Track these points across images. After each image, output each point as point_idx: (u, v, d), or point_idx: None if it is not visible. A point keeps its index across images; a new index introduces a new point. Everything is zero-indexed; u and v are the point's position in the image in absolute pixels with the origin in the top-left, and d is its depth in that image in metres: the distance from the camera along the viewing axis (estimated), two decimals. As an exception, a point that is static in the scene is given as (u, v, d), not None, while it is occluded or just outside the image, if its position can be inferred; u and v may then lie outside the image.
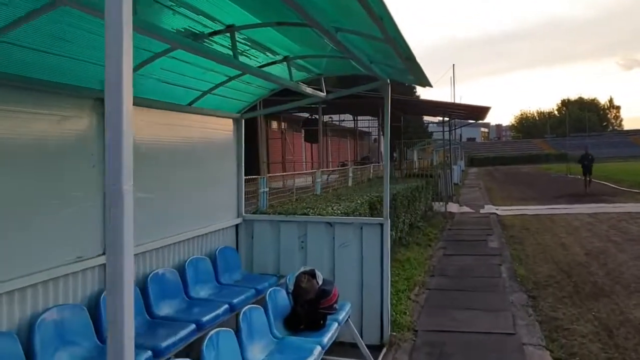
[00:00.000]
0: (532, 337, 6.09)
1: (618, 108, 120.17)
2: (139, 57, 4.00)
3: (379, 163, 27.57)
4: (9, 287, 3.29)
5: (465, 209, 20.09)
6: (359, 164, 29.33)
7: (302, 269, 5.03)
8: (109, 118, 1.48)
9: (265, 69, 5.16)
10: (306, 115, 26.18)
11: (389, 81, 5.79)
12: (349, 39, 4.04)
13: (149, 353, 3.54)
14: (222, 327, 4.42)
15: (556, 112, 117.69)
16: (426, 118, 49.34)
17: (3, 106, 3.33)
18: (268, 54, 4.88)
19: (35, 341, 3.29)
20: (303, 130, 27.01)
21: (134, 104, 4.53)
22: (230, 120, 6.18)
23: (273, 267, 6.06)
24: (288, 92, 5.92)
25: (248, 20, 3.93)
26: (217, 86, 5.21)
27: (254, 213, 6.75)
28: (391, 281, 8.26)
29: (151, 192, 4.68)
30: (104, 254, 4.05)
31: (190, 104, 5.31)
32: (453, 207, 19.79)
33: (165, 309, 4.40)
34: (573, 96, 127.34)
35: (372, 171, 22.55)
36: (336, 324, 4.66)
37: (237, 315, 4.04)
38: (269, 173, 22.41)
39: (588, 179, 25.47)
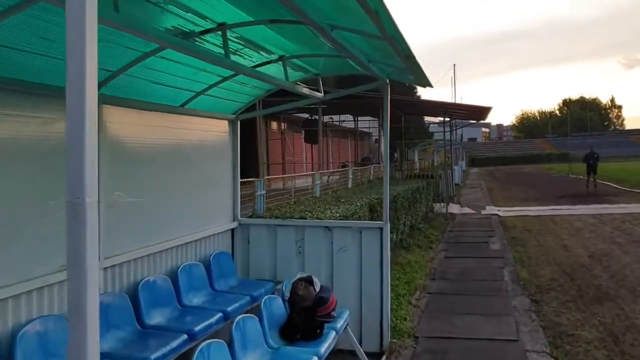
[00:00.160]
0: (536, 344, 5.93)
1: (620, 107, 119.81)
2: (127, 57, 3.85)
3: (379, 164, 27.41)
4: (-11, 298, 3.14)
5: (467, 210, 19.92)
6: (359, 164, 29.17)
7: (298, 276, 4.88)
8: (70, 122, 1.32)
9: (261, 68, 5.01)
10: (306, 115, 26.04)
11: (388, 81, 5.64)
12: (346, 37, 3.88)
13: (138, 365, 3.39)
14: (216, 335, 4.29)
15: (557, 112, 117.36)
16: (427, 118, 49.14)
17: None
18: (262, 53, 4.73)
19: (17, 354, 3.14)
20: (303, 131, 26.86)
21: (123, 106, 4.34)
22: (226, 122, 6.03)
23: (270, 272, 5.91)
24: (287, 92, 5.78)
25: (240, 18, 3.78)
26: (210, 87, 5.06)
27: (250, 217, 6.60)
28: (391, 285, 8.11)
29: (142, 197, 4.53)
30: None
31: (183, 105, 5.16)
32: (454, 208, 19.63)
33: (156, 318, 4.25)
34: (574, 96, 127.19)
35: (372, 172, 22.38)
36: (334, 333, 4.50)
37: (232, 323, 3.89)
38: (268, 174, 22.29)
39: (592, 178, 25.14)
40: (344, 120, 36.92)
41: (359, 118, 35.85)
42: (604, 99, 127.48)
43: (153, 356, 3.56)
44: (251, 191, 9.08)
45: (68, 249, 1.31)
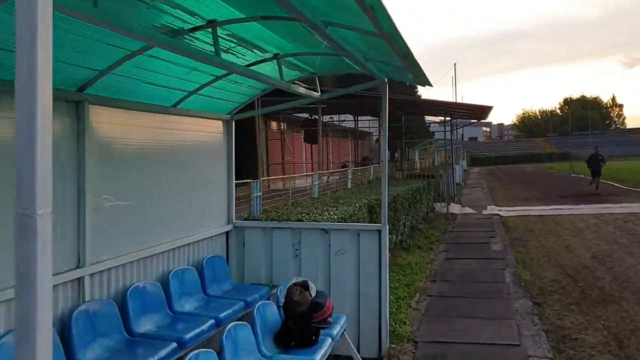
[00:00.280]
0: (538, 349, 5.78)
1: (621, 106, 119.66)
2: (113, 55, 3.71)
3: (379, 164, 27.24)
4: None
5: (468, 209, 19.78)
6: (359, 164, 29.02)
7: (293, 280, 4.75)
8: (20, 124, 1.16)
9: (255, 67, 4.87)
10: (306, 115, 25.89)
11: (386, 80, 5.50)
12: (341, 34, 3.74)
13: (124, 376, 3.26)
14: (208, 343, 4.16)
15: (558, 111, 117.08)
16: (428, 118, 48.97)
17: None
18: (256, 51, 4.59)
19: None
20: (302, 131, 26.71)
21: (112, 106, 4.14)
22: (220, 122, 5.89)
23: (265, 276, 5.77)
24: (285, 92, 5.64)
25: (231, 14, 3.64)
26: (203, 86, 4.92)
27: (245, 219, 6.45)
28: (391, 288, 7.98)
29: (132, 199, 4.39)
30: (77, 267, 3.77)
31: (175, 105, 5.02)
32: (455, 208, 19.48)
33: (145, 326, 4.11)
34: (575, 95, 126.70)
35: (372, 172, 22.23)
36: (330, 340, 4.37)
37: (223, 331, 3.75)
38: (268, 175, 22.15)
39: (595, 179, 24.53)
40: (344, 120, 36.74)
41: (360, 118, 35.65)
42: (605, 98, 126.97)
43: (141, 366, 3.43)
44: (247, 193, 8.94)
45: (17, 265, 1.16)
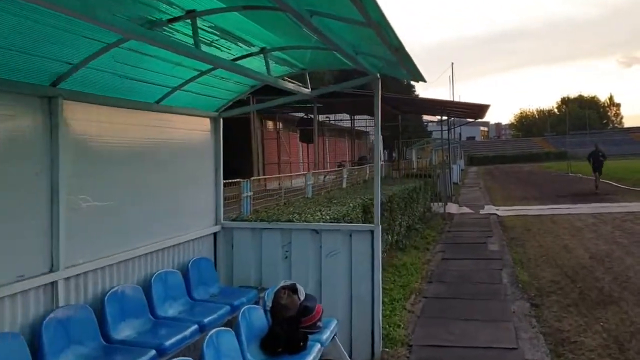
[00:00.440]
0: (536, 352, 5.60)
1: (618, 105, 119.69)
2: (88, 48, 3.52)
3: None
4: None
5: (465, 209, 19.62)
6: (356, 164, 28.85)
7: (282, 284, 4.56)
8: None
9: (241, 62, 4.68)
10: (301, 114, 25.71)
11: (379, 76, 5.32)
12: (328, 24, 3.56)
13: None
14: (190, 350, 3.98)
15: (556, 110, 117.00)
16: (426, 117, 48.88)
17: None
18: (241, 45, 4.40)
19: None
20: (298, 130, 26.52)
21: (89, 102, 3.90)
22: (207, 120, 5.69)
23: (254, 279, 5.59)
24: (280, 90, 5.46)
25: (210, 4, 3.45)
26: (187, 82, 4.73)
27: (234, 220, 6.26)
28: (386, 289, 7.81)
29: (112, 199, 4.20)
30: (50, 271, 3.58)
31: (158, 101, 4.83)
32: (452, 208, 19.31)
33: (124, 332, 3.91)
34: (573, 94, 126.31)
35: (368, 172, 22.06)
36: (319, 345, 4.18)
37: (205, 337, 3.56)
38: (264, 174, 21.96)
39: (595, 177, 24.18)
40: (340, 120, 36.56)
41: (356, 117, 35.48)
42: (603, 97, 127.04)
43: (115, 375, 3.24)
44: (238, 192, 8.74)
45: None
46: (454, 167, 30.12)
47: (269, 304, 4.42)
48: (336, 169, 22.99)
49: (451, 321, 6.63)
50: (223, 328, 3.73)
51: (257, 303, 4.87)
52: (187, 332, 3.98)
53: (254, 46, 4.52)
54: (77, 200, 3.82)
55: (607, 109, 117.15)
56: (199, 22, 3.67)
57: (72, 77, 3.68)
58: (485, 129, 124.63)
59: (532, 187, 29.65)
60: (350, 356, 5.14)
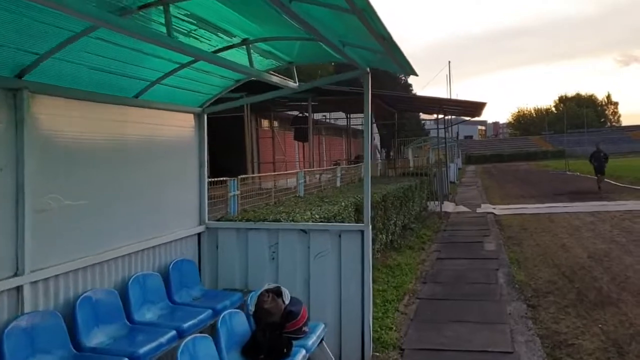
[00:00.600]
0: (533, 356, 5.41)
1: (616, 104, 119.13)
2: (55, 37, 3.30)
3: (375, 161, 26.91)
4: None
5: (462, 208, 19.43)
6: (352, 162, 28.63)
7: (265, 287, 4.36)
8: None
9: (223, 54, 4.47)
10: (296, 113, 25.48)
11: (369, 70, 5.11)
12: (311, 12, 3.35)
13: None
14: (168, 356, 3.76)
15: (554, 109, 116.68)
16: (423, 116, 48.63)
17: None
18: (222, 35, 4.18)
19: None
20: (293, 129, 26.27)
21: (59, 95, 3.62)
22: (190, 115, 5.47)
23: (240, 281, 5.38)
24: (274, 87, 5.25)
25: (184, -11, 3.24)
26: (166, 75, 4.51)
27: (218, 220, 6.04)
28: (379, 290, 7.61)
29: (85, 199, 3.98)
30: (15, 275, 3.36)
31: (137, 96, 4.61)
32: (449, 207, 19.13)
33: (97, 339, 3.69)
34: (570, 93, 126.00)
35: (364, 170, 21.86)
36: (303, 351, 3.98)
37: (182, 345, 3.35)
38: (259, 173, 21.73)
39: (598, 177, 23.71)
40: (337, 118, 36.30)
41: (352, 115, 35.24)
42: (600, 96, 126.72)
43: (83, 386, 3.02)
44: (225, 192, 8.52)
45: None
46: (451, 165, 29.94)
47: (252, 308, 4.21)
48: (331, 167, 22.76)
49: (445, 324, 6.43)
50: (200, 335, 3.52)
51: (242, 307, 4.66)
52: (164, 339, 3.77)
53: (235, 37, 4.31)
54: (45, 200, 3.60)
55: (605, 107, 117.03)
56: (174, 10, 3.46)
57: (38, 68, 3.46)
58: (483, 127, 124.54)
59: (530, 185, 29.47)
60: (339, 361, 4.94)
